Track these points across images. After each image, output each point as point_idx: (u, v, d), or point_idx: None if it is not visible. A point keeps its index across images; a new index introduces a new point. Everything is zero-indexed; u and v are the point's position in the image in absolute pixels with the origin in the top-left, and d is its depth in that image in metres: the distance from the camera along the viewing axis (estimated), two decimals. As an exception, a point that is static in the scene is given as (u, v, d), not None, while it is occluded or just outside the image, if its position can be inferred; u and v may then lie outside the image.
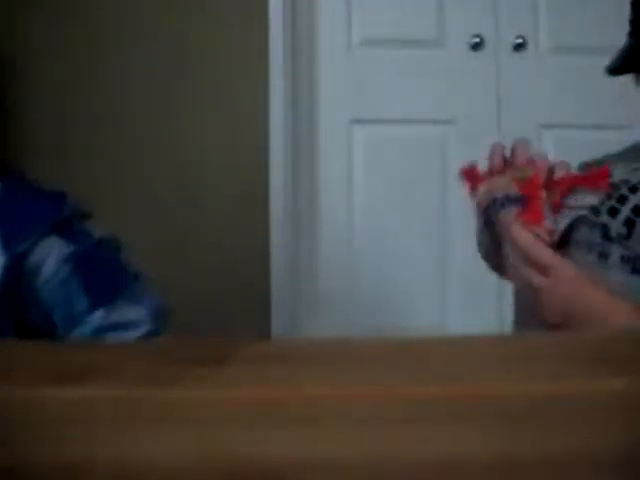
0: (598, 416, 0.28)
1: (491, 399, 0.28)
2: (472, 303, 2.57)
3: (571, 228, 0.97)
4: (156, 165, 2.55)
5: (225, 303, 2.54)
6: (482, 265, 1.20)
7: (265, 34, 2.52)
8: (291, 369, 0.34)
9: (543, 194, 0.92)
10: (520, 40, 2.61)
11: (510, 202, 0.94)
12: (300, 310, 2.58)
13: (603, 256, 0.95)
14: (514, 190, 0.94)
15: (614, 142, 1.19)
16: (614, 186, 0.98)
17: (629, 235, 0.94)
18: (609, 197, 0.97)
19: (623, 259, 0.93)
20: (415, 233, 2.59)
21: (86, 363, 0.36)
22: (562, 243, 0.96)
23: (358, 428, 0.28)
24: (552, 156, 1.01)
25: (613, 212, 0.96)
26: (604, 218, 0.97)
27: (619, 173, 1.01)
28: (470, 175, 1.00)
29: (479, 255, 1.15)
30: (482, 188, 0.98)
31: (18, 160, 2.37)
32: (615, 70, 1.06)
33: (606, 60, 1.09)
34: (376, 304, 2.59)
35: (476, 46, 2.61)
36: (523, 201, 0.93)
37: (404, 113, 2.62)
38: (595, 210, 0.97)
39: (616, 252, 0.94)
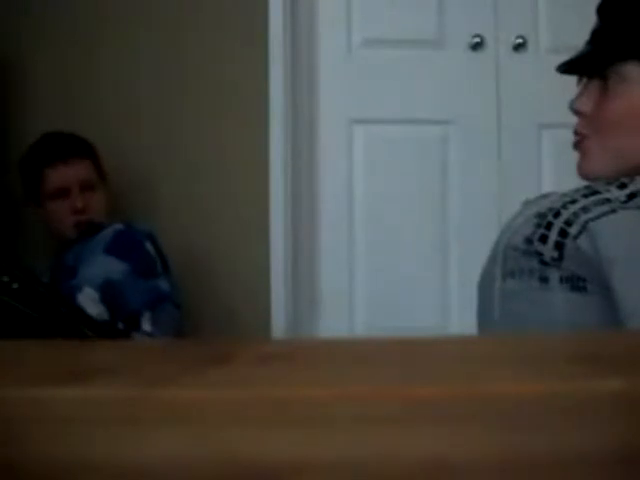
0: (597, 416, 0.28)
1: (491, 399, 0.28)
2: (472, 303, 2.56)
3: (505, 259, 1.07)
4: (155, 168, 2.55)
5: (225, 303, 2.54)
6: (482, 264, 1.20)
7: (265, 34, 2.52)
8: (291, 369, 0.34)
9: None
10: (520, 40, 2.61)
11: None
12: (300, 310, 2.58)
13: (544, 280, 1.03)
14: None
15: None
16: (541, 215, 1.06)
17: (561, 257, 1.01)
18: (538, 226, 1.05)
19: (562, 280, 1.01)
20: (415, 233, 2.59)
21: (86, 363, 0.36)
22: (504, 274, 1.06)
23: (358, 428, 0.28)
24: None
25: (543, 239, 1.04)
26: (537, 246, 1.04)
27: (547, 202, 1.09)
28: None
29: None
30: None
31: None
32: (565, 70, 1.16)
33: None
34: (376, 304, 2.59)
35: (476, 46, 2.62)
36: None
37: (404, 113, 2.62)
38: (528, 240, 1.05)
39: (554, 274, 1.02)
